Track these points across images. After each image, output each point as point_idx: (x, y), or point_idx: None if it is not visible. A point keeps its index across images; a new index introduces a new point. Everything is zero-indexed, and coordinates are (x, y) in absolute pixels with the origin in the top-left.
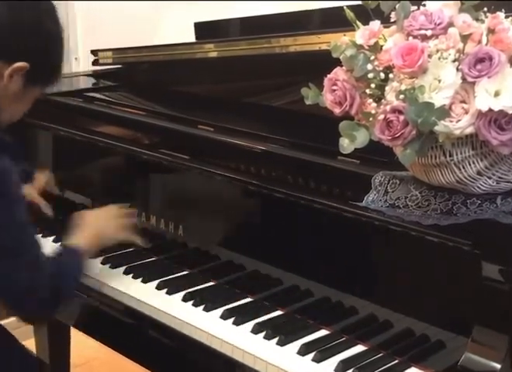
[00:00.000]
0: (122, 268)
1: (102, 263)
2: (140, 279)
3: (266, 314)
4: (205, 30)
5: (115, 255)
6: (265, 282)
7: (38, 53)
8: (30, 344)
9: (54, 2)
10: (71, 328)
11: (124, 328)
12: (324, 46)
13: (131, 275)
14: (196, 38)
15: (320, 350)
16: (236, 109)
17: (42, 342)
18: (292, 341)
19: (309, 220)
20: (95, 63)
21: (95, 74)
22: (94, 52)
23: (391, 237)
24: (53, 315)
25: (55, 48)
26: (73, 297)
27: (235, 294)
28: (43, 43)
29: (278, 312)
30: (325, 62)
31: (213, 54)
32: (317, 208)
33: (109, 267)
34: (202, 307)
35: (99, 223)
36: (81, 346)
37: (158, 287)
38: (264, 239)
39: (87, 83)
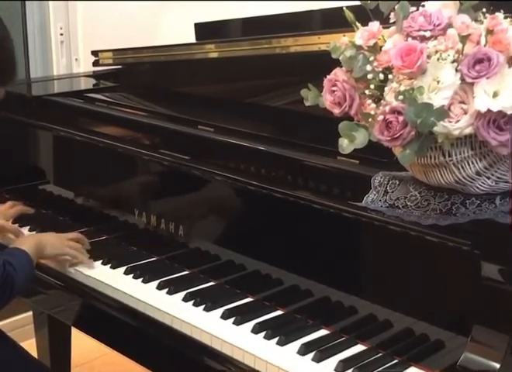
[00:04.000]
0: (123, 268)
1: (102, 264)
2: (141, 279)
3: (266, 314)
4: (206, 31)
5: (114, 255)
6: (265, 282)
7: None
8: (31, 345)
9: (56, 2)
10: (72, 328)
11: (125, 328)
12: (324, 47)
13: (132, 275)
14: (196, 38)
15: (320, 350)
16: (237, 110)
17: (42, 343)
18: (292, 341)
19: (308, 220)
20: (95, 63)
21: (95, 75)
22: (94, 52)
23: (390, 237)
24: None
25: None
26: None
27: (235, 294)
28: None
29: (279, 312)
30: (325, 62)
31: (214, 55)
32: (317, 209)
33: (110, 267)
34: (202, 307)
35: (40, 236)
36: (82, 345)
37: (159, 287)
38: (264, 239)
39: (87, 84)
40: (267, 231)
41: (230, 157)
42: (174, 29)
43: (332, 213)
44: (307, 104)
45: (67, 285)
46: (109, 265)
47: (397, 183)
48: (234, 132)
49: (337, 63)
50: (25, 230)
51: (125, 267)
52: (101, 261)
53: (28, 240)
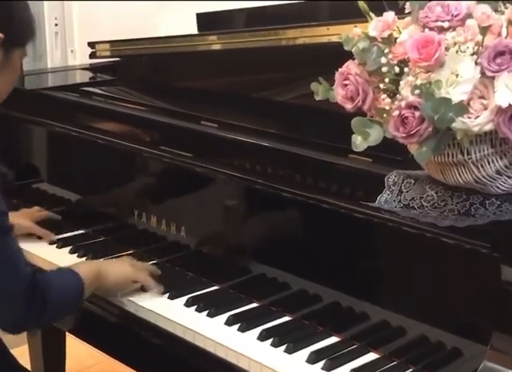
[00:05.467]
0: None
1: None
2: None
3: (273, 320)
4: (208, 21)
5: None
6: (272, 286)
7: (5, 21)
8: (23, 351)
9: None
10: (67, 334)
11: (123, 334)
12: (334, 39)
13: None
14: (198, 29)
15: (331, 358)
16: (242, 104)
17: (35, 350)
18: (300, 348)
19: (318, 221)
20: (92, 56)
21: (92, 68)
22: (91, 44)
23: (405, 239)
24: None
25: (21, 11)
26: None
27: (240, 299)
28: (8, 10)
29: (286, 318)
30: (334, 55)
31: (216, 47)
32: (327, 209)
33: None
34: (205, 312)
35: (104, 264)
36: (77, 352)
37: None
38: (271, 241)
39: (84, 77)
40: (273, 232)
41: (235, 155)
42: (175, 20)
43: (343, 214)
44: (317, 98)
45: None
46: None
47: (412, 182)
48: (239, 128)
49: (347, 56)
50: None
51: None
52: None
53: (88, 266)
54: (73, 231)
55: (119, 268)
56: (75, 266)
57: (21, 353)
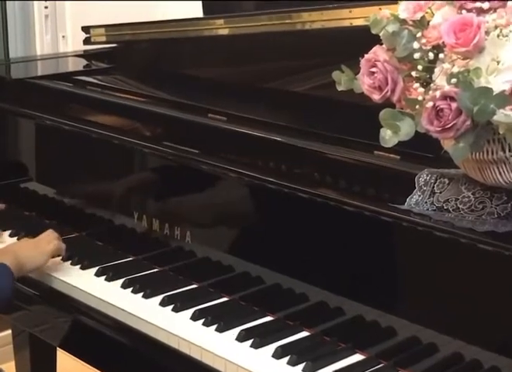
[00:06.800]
0: (120, 281)
1: (95, 275)
2: (141, 294)
3: (289, 335)
4: (215, 4)
5: (111, 265)
6: (288, 298)
7: None
8: (10, 368)
9: None
10: (57, 349)
11: (120, 350)
12: (357, 22)
13: (130, 289)
14: (204, 13)
15: None
16: (253, 96)
17: (23, 366)
18: (321, 367)
19: (339, 225)
20: (86, 41)
21: (86, 55)
22: (85, 29)
23: (438, 246)
24: None
25: None
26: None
27: (253, 312)
28: None
29: (304, 333)
30: (357, 41)
31: (224, 31)
32: (349, 211)
33: (105, 280)
34: (214, 327)
35: (16, 252)
36: (67, 368)
37: (162, 304)
38: (286, 247)
39: (77, 65)
40: (289, 238)
41: (246, 151)
42: (178, 3)
43: (368, 217)
44: (340, 88)
45: (53, 300)
46: (104, 277)
47: (446, 182)
48: (251, 121)
49: (374, 41)
50: (5, 235)
51: (122, 280)
52: (94, 272)
53: (5, 255)
54: (66, 234)
55: (34, 258)
56: None
57: (6, 369)
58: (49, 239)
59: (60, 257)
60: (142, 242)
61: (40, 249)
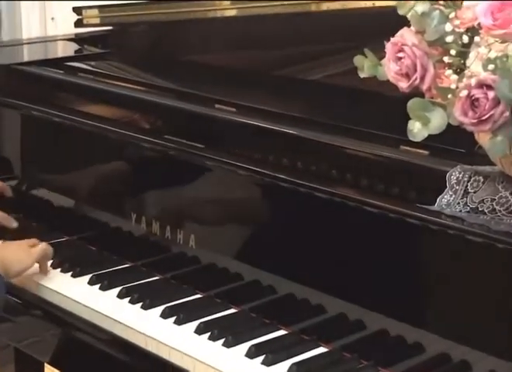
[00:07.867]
0: (116, 290)
1: (89, 284)
2: (140, 304)
3: (305, 351)
4: None
5: (106, 273)
6: (303, 309)
7: None
8: None
9: None
10: (45, 365)
11: (115, 367)
12: (381, 3)
13: (128, 299)
14: None
15: None
16: (264, 84)
17: None
18: None
19: (361, 229)
20: (77, 24)
21: (78, 39)
22: (77, 10)
23: (471, 251)
24: None
25: None
26: None
27: (264, 325)
28: None
29: (322, 349)
30: (381, 23)
31: (232, 13)
32: (372, 213)
33: (99, 289)
34: (221, 341)
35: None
36: None
37: (163, 315)
38: (301, 253)
39: (67, 49)
40: (304, 242)
41: (258, 145)
42: None
43: (392, 218)
44: (362, 75)
45: (41, 311)
46: (98, 285)
47: (481, 180)
48: (262, 112)
49: (399, 24)
50: None
51: (119, 289)
52: (87, 280)
53: None
54: (56, 238)
55: (19, 260)
56: None
57: None
58: (34, 241)
59: (49, 263)
60: (140, 247)
61: (26, 252)
